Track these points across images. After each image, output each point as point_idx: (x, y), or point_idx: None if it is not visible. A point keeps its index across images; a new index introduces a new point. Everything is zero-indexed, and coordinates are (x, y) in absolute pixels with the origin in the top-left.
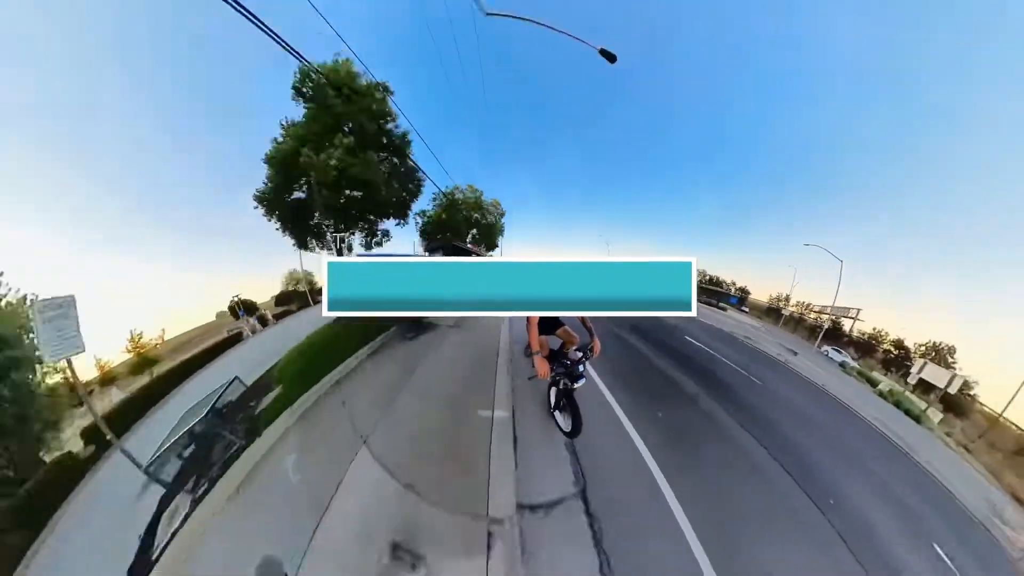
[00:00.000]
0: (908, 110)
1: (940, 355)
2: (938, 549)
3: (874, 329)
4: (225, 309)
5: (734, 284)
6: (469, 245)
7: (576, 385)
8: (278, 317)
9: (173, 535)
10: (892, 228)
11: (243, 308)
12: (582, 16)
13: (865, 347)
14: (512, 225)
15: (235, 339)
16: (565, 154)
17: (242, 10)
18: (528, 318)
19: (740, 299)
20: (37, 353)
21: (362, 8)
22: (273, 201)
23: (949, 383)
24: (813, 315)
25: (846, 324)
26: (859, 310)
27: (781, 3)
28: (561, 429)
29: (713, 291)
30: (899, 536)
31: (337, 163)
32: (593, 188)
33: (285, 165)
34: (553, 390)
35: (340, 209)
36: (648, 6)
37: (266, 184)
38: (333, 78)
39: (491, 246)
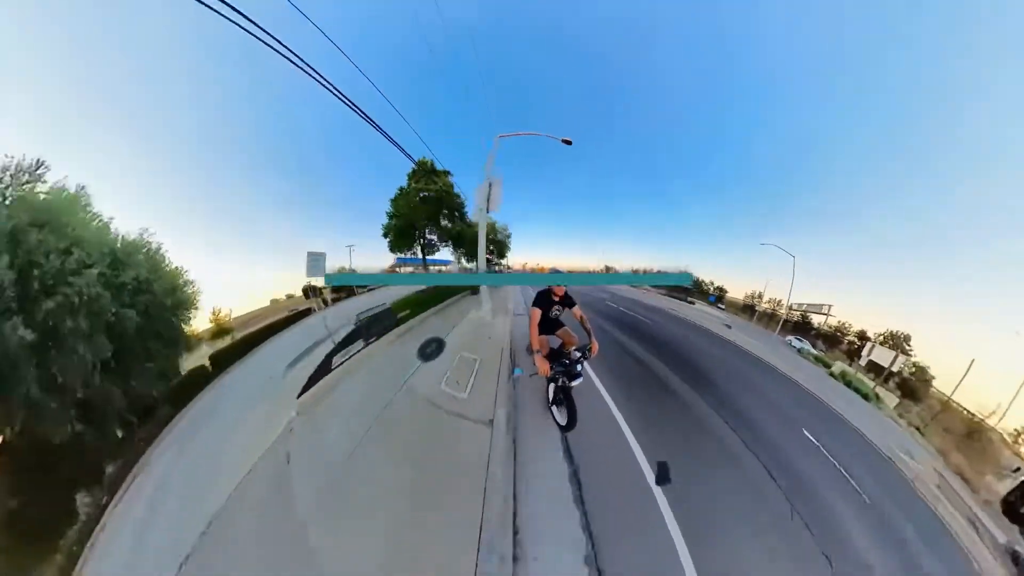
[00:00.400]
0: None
1: (897, 342)
2: (806, 432)
3: (839, 322)
4: (281, 296)
5: (712, 284)
6: (489, 258)
7: (573, 383)
8: (335, 300)
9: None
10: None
11: (312, 291)
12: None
13: (832, 339)
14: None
15: (305, 313)
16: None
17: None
18: (531, 317)
19: (718, 297)
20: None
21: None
22: (392, 233)
23: (893, 362)
24: (786, 311)
25: (817, 319)
26: (830, 306)
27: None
28: (557, 423)
29: (685, 289)
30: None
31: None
32: (589, 201)
33: (399, 217)
34: (551, 386)
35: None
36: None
37: (389, 225)
38: (427, 166)
39: (501, 256)
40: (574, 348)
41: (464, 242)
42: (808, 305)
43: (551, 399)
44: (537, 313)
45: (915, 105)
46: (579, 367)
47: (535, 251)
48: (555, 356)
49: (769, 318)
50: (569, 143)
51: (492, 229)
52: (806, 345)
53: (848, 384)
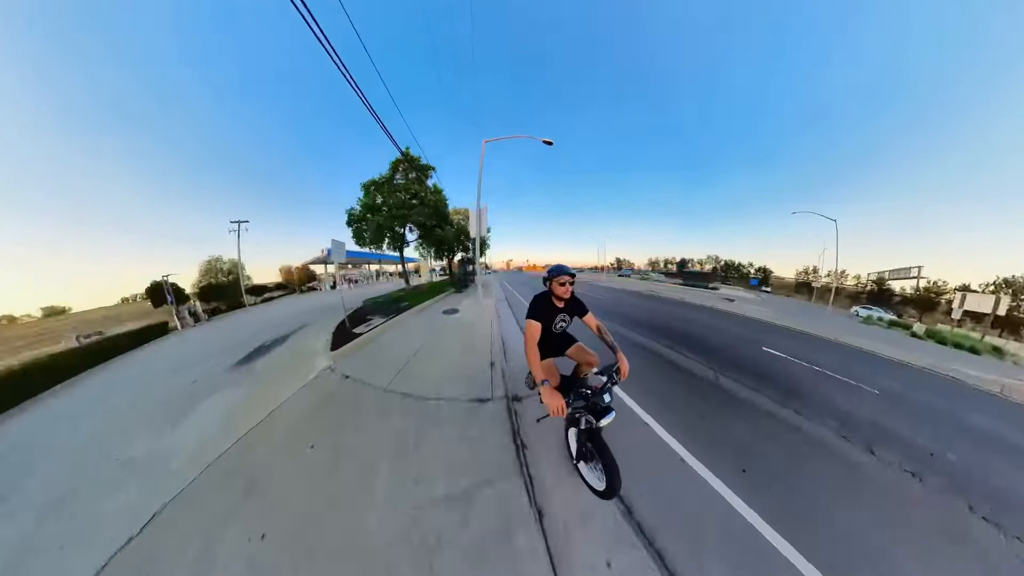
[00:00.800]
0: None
1: (1014, 286)
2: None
3: (930, 283)
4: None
5: (751, 265)
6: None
7: (603, 422)
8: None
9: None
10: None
11: (169, 295)
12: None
13: (924, 302)
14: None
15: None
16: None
17: None
18: (526, 336)
19: (761, 279)
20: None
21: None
22: (358, 223)
23: (996, 305)
24: (858, 282)
25: (899, 285)
26: (920, 267)
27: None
28: (591, 488)
29: (700, 274)
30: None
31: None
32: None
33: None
34: (572, 432)
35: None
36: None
37: (356, 212)
38: (409, 157)
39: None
40: (594, 371)
41: (433, 241)
42: (892, 271)
43: (575, 453)
44: (535, 329)
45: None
46: (607, 397)
47: (527, 244)
48: (569, 386)
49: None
50: (550, 144)
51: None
52: (874, 312)
53: (942, 342)
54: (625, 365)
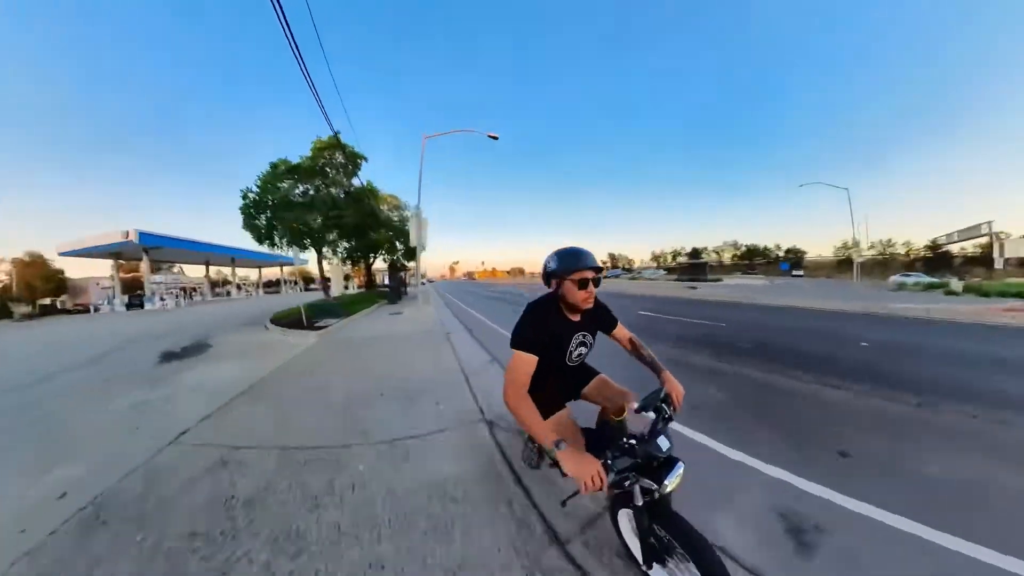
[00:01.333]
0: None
1: None
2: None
3: (1003, 238)
4: None
5: (778, 247)
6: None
7: (670, 484)
8: None
9: None
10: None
11: None
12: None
13: (983, 260)
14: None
15: None
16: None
17: None
18: (511, 377)
19: (793, 263)
20: None
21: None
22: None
23: None
24: (909, 250)
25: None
26: (990, 222)
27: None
28: None
29: (699, 265)
30: None
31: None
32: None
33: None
34: (625, 516)
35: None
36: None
37: (260, 200)
38: (347, 150)
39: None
40: (635, 407)
41: (363, 246)
42: (960, 231)
43: (640, 553)
44: (527, 365)
45: None
46: (664, 442)
47: (481, 241)
48: (600, 441)
49: (882, 266)
50: (495, 138)
51: (401, 220)
52: (909, 279)
53: (985, 295)
54: (678, 389)
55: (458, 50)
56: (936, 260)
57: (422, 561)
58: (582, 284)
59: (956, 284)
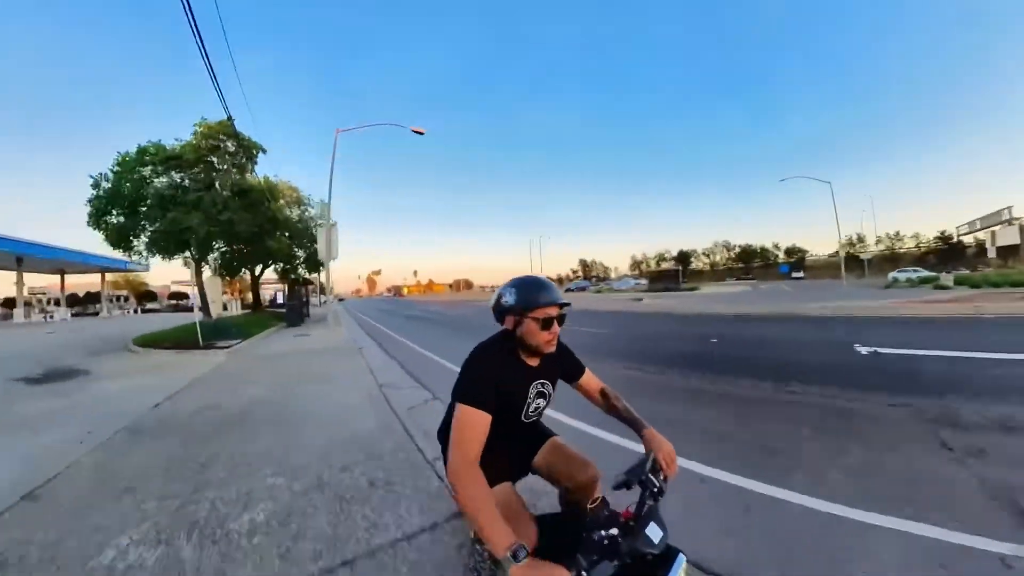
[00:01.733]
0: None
1: None
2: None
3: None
4: None
5: (777, 248)
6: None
7: None
8: None
9: None
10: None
11: None
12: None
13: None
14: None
15: None
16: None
17: None
18: (453, 442)
19: (793, 265)
20: None
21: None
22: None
23: None
24: (918, 242)
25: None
26: (1010, 207)
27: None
28: None
29: (671, 273)
30: None
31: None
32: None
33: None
34: None
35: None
36: None
37: (119, 190)
38: (243, 139)
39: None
40: (617, 482)
41: (260, 255)
42: (982, 219)
43: None
44: (479, 425)
45: None
46: (656, 531)
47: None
48: (565, 535)
49: (890, 263)
50: (421, 133)
51: (304, 221)
52: (903, 275)
53: (975, 287)
54: (667, 450)
55: (390, 31)
56: (947, 252)
57: None
58: (546, 323)
59: (946, 278)
